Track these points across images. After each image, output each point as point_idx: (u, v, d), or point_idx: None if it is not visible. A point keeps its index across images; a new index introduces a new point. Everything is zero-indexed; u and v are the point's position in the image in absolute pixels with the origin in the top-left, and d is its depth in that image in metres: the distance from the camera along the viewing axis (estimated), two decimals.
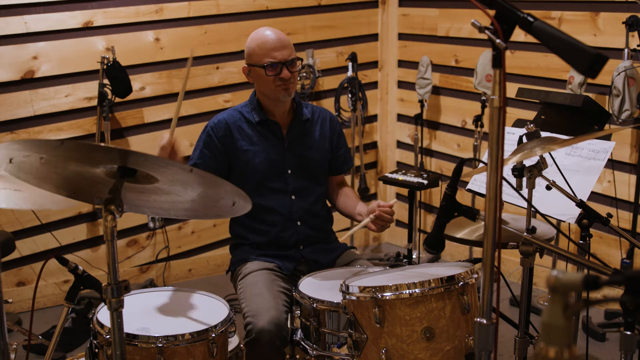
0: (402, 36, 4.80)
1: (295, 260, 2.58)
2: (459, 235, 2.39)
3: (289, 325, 2.30)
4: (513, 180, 2.18)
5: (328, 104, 4.66)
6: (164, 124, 4.10)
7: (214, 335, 2.00)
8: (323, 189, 2.71)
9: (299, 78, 4.33)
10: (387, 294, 1.84)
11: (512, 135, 2.49)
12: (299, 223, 2.60)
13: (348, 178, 4.58)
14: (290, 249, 2.59)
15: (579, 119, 3.19)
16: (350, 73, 4.50)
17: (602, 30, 3.64)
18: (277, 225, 2.57)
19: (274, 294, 2.35)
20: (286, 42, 2.50)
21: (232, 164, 2.56)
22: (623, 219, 3.58)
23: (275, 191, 2.57)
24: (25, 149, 1.58)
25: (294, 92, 2.55)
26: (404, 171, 3.59)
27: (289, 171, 2.59)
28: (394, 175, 3.55)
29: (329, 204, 2.78)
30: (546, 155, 2.16)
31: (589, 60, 1.24)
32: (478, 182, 2.69)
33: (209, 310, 2.15)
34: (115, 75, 3.68)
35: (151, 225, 4.11)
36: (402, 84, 4.86)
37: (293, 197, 2.59)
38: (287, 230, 2.58)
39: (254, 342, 2.21)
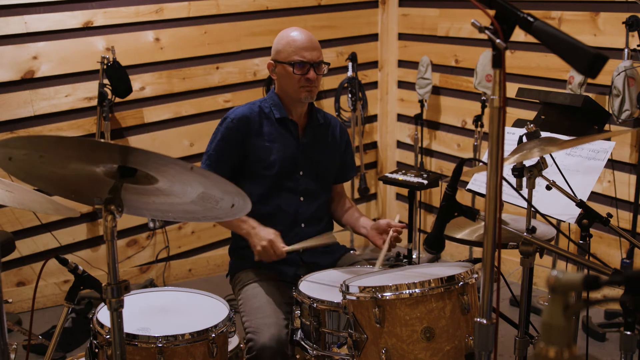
0: (402, 36, 4.80)
1: (295, 265, 2.55)
2: (459, 235, 2.39)
3: (291, 327, 2.30)
4: (513, 180, 2.17)
5: (328, 104, 4.66)
6: (164, 123, 4.11)
7: (214, 335, 2.00)
8: (328, 196, 2.72)
9: None
10: (387, 294, 1.84)
11: (512, 135, 2.49)
12: (302, 225, 2.59)
13: None
14: (291, 252, 2.57)
15: (579, 119, 3.19)
16: (350, 73, 4.51)
17: (602, 30, 3.64)
18: (282, 225, 2.53)
19: (274, 308, 2.34)
20: (316, 44, 2.50)
21: (247, 158, 2.54)
22: (623, 219, 3.58)
23: (285, 190, 2.56)
24: (25, 146, 1.58)
25: (315, 96, 2.53)
26: (404, 171, 3.59)
27: (301, 172, 2.58)
28: (394, 175, 3.55)
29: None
30: (546, 155, 2.16)
31: (589, 60, 1.24)
32: (478, 182, 2.69)
33: (209, 310, 2.15)
34: (115, 75, 3.68)
35: (151, 225, 4.11)
36: (402, 84, 4.86)
37: (302, 198, 2.58)
38: (290, 232, 2.55)
39: (255, 359, 2.20)
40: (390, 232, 2.45)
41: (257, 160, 2.53)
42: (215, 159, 2.53)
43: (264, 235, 2.35)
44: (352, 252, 2.75)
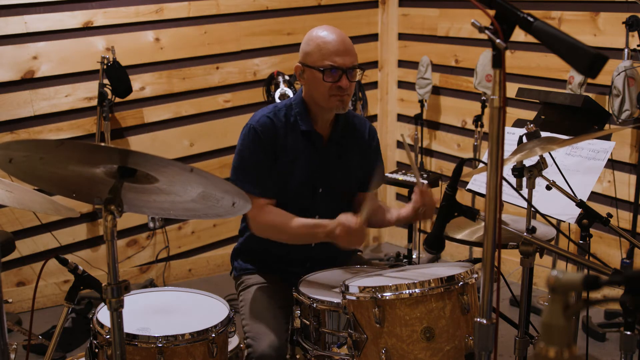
0: (402, 36, 4.80)
1: (299, 278, 2.40)
2: (459, 236, 2.39)
3: (291, 327, 2.30)
4: (513, 180, 2.17)
5: None
6: (164, 124, 4.11)
7: (214, 335, 2.00)
8: (348, 208, 2.44)
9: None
10: (387, 294, 1.84)
11: (512, 135, 2.49)
12: (312, 245, 2.42)
13: None
14: (298, 265, 2.45)
15: (579, 119, 3.19)
16: None
17: (602, 30, 3.64)
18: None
19: (275, 313, 2.29)
20: (350, 47, 2.26)
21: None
22: (623, 219, 3.58)
23: (301, 209, 2.35)
24: (25, 149, 1.59)
25: (348, 106, 2.32)
26: (404, 171, 3.59)
27: (320, 190, 2.40)
28: (394, 175, 3.55)
29: None
30: (546, 155, 2.16)
31: (589, 60, 1.24)
32: (478, 182, 2.69)
33: (209, 310, 2.15)
34: (115, 75, 3.68)
35: (151, 225, 4.11)
36: (402, 84, 4.86)
37: (317, 217, 2.35)
38: (298, 251, 2.40)
39: None
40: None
41: (277, 175, 2.35)
42: (261, 177, 2.31)
43: (334, 225, 2.16)
44: (358, 253, 2.68)
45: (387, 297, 1.84)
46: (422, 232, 4.65)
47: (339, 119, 2.41)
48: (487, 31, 1.33)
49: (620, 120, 3.34)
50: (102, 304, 2.08)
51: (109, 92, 3.71)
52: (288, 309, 2.34)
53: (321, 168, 2.40)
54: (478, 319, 1.44)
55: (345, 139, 2.44)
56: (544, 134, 2.23)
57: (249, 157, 2.32)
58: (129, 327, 1.89)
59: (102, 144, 3.31)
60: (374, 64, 4.90)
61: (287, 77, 4.00)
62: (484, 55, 4.08)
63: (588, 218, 2.15)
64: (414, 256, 3.90)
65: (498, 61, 1.34)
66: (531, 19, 1.32)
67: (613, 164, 3.60)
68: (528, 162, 2.17)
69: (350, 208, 2.46)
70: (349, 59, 2.24)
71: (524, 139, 2.19)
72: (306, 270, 2.44)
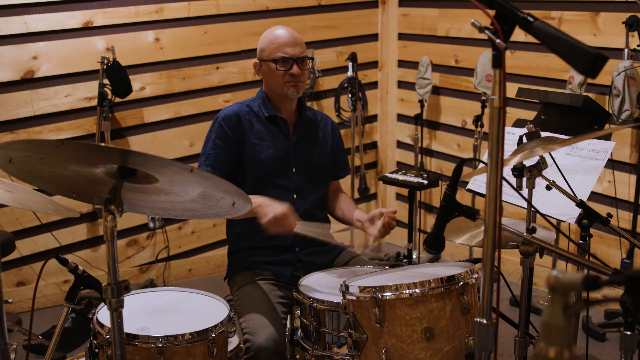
0: (402, 36, 4.80)
1: (292, 265, 2.54)
2: (459, 241, 2.40)
3: (288, 325, 2.30)
4: (513, 180, 2.17)
5: (328, 104, 4.66)
6: (164, 123, 4.11)
7: (214, 335, 2.00)
8: (323, 192, 2.70)
9: None
10: (387, 294, 1.84)
11: (512, 135, 2.49)
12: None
13: (348, 178, 4.59)
14: (287, 251, 2.55)
15: (579, 119, 3.19)
16: (350, 73, 4.51)
17: (602, 30, 3.64)
18: None
19: (271, 308, 2.33)
20: (299, 40, 2.52)
21: (241, 156, 2.54)
22: (623, 219, 3.58)
23: (278, 188, 2.55)
24: (25, 149, 1.58)
25: (302, 92, 2.55)
26: (404, 171, 3.60)
27: (294, 169, 2.58)
28: (394, 175, 3.56)
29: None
30: (546, 155, 2.16)
31: (589, 60, 1.24)
32: (478, 182, 2.69)
33: (209, 310, 2.15)
34: (115, 75, 3.68)
35: (151, 225, 4.11)
36: (402, 84, 4.86)
37: (295, 195, 2.57)
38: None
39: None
40: (381, 220, 2.40)
41: (249, 158, 2.53)
42: (215, 158, 2.52)
43: (278, 206, 2.29)
44: (349, 248, 2.72)
45: (387, 297, 1.84)
46: (422, 232, 4.65)
47: (302, 110, 2.64)
48: (487, 31, 1.33)
49: (620, 120, 3.34)
50: (102, 304, 2.08)
51: (109, 92, 3.71)
52: (284, 305, 2.38)
53: (291, 149, 2.59)
54: (478, 319, 1.44)
55: (310, 127, 2.66)
56: (544, 134, 2.23)
57: (210, 142, 2.55)
58: (129, 327, 1.89)
59: (102, 144, 3.31)
60: (374, 64, 4.90)
61: None
62: (484, 55, 4.08)
63: (588, 218, 2.15)
64: (414, 256, 3.90)
65: (498, 61, 1.34)
66: (531, 19, 1.32)
67: (613, 164, 3.60)
68: (528, 162, 2.17)
69: (323, 190, 2.70)
70: (299, 50, 2.50)
71: (524, 139, 2.19)
72: (296, 256, 2.55)
